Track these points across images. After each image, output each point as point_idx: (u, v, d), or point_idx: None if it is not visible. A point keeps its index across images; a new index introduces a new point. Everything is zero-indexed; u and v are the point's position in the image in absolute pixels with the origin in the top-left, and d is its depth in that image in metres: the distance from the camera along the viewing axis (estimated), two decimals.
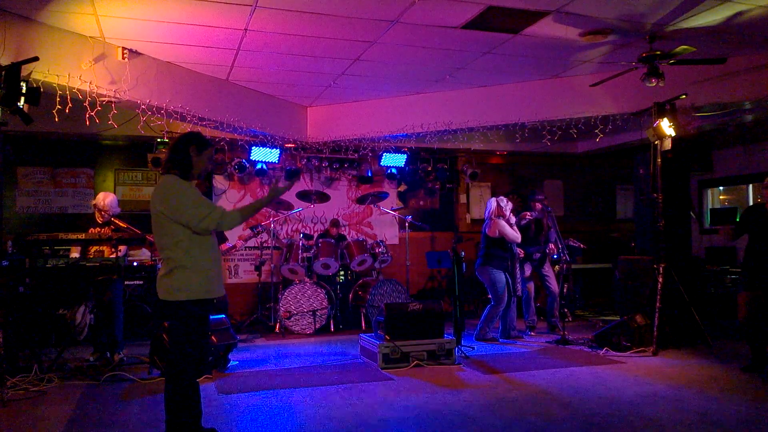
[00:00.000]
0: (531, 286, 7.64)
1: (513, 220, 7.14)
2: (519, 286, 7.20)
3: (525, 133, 7.82)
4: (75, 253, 5.94)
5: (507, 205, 7.14)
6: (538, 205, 7.59)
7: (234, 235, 8.42)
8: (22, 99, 4.71)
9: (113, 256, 5.72)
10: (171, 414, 3.41)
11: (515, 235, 7.02)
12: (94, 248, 5.96)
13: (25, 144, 7.95)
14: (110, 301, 5.80)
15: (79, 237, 5.93)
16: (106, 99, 5.92)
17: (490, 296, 7.09)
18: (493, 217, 7.07)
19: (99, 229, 6.00)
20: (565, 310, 7.70)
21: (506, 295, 7.00)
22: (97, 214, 6.13)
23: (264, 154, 8.57)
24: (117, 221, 6.15)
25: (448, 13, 5.28)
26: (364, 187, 9.63)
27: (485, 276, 7.05)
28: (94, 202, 6.25)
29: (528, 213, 7.44)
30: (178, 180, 3.49)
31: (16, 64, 4.67)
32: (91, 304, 5.93)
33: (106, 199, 6.17)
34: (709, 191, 10.28)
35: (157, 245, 3.53)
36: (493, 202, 7.19)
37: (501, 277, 7.00)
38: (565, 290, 7.71)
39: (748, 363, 5.51)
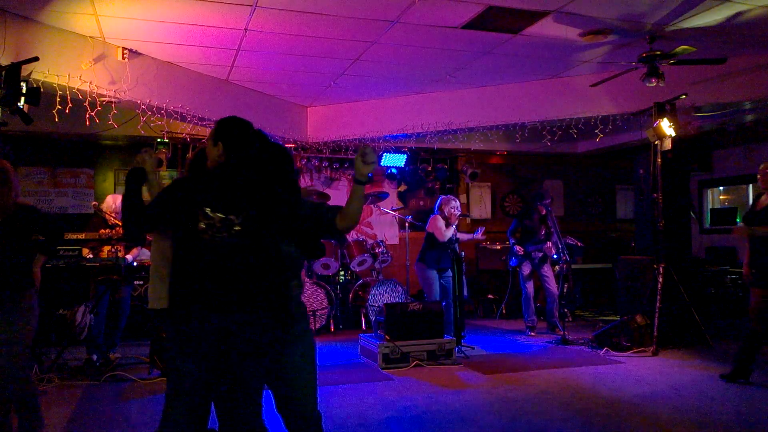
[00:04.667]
0: (530, 286, 7.63)
1: (453, 225, 6.84)
2: (465, 289, 6.95)
3: (525, 133, 7.82)
4: (89, 254, 5.95)
5: (453, 205, 6.88)
6: (543, 210, 7.58)
7: None
8: (22, 99, 4.71)
9: (123, 255, 5.75)
10: None
11: (443, 236, 6.73)
12: (107, 248, 5.95)
13: (25, 144, 7.95)
14: (120, 300, 5.91)
15: (79, 237, 5.93)
16: (106, 99, 5.91)
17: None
18: (437, 212, 6.91)
19: (110, 230, 5.99)
20: (565, 310, 7.70)
21: (439, 296, 6.76)
22: (107, 217, 6.11)
23: None
24: (119, 222, 6.14)
25: (448, 13, 5.28)
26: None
27: (418, 273, 6.95)
28: (103, 206, 6.21)
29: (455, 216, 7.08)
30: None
31: (16, 64, 4.67)
32: (91, 304, 5.93)
33: (116, 201, 6.18)
34: (709, 191, 10.28)
35: None
36: (441, 198, 7.00)
37: (431, 274, 6.79)
38: (565, 290, 7.70)
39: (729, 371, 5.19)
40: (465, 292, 7.08)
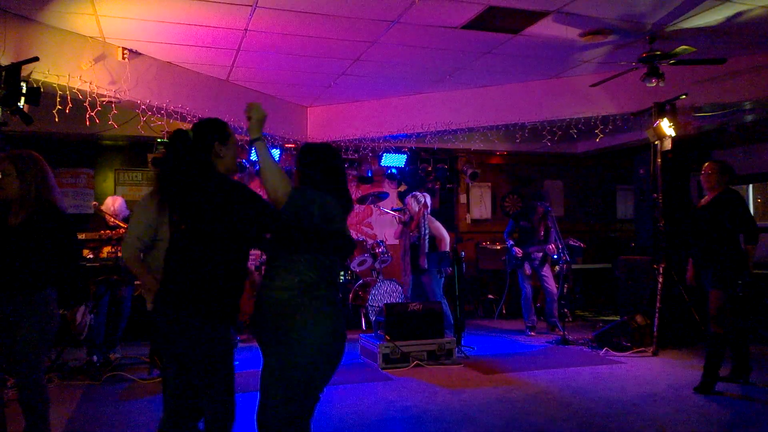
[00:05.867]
0: (530, 286, 7.63)
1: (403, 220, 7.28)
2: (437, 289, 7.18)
3: (525, 133, 7.82)
4: (89, 255, 5.96)
5: (415, 202, 7.25)
6: (540, 210, 7.58)
7: None
8: (23, 99, 4.71)
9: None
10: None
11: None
12: (107, 249, 5.96)
13: (25, 144, 7.87)
14: (120, 301, 5.97)
15: (79, 237, 5.92)
16: (106, 99, 5.91)
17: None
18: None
19: (110, 231, 6.00)
20: (565, 310, 7.70)
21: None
22: (107, 217, 6.13)
23: None
24: (119, 222, 6.16)
25: (448, 14, 5.28)
26: (365, 187, 9.63)
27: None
28: (102, 207, 6.23)
29: (404, 216, 7.40)
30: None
31: (16, 64, 4.66)
32: (91, 304, 5.93)
33: (114, 203, 6.22)
34: None
35: None
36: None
37: (434, 277, 7.12)
38: (565, 290, 7.69)
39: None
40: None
